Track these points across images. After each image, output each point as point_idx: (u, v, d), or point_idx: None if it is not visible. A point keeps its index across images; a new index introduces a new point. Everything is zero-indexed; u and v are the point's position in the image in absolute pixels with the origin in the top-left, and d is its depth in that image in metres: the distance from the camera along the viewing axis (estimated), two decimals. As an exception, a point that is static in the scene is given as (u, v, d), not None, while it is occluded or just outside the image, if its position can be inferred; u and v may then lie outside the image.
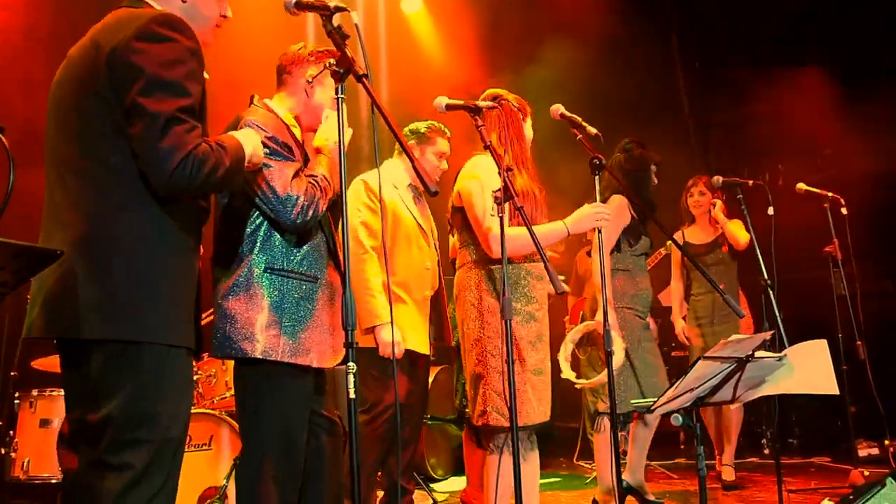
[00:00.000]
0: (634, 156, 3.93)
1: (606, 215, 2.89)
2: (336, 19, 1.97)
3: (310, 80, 2.46)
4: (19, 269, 1.66)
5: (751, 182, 3.87)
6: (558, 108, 2.93)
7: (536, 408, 2.75)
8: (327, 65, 2.10)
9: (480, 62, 6.47)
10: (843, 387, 4.60)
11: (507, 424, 2.71)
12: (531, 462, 2.82)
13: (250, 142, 2.00)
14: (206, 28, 2.03)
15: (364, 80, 1.91)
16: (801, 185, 4.64)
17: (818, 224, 4.65)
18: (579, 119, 2.92)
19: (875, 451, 5.17)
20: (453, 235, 3.06)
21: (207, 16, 2.04)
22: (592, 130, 2.91)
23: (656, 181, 4.03)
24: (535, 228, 2.62)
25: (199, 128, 1.79)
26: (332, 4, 1.95)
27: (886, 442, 4.99)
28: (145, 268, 1.76)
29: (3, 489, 3.81)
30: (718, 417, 4.78)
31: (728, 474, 4.64)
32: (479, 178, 2.85)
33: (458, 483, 5.05)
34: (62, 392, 3.88)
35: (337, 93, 1.98)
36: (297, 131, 2.46)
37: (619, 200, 3.77)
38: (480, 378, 2.79)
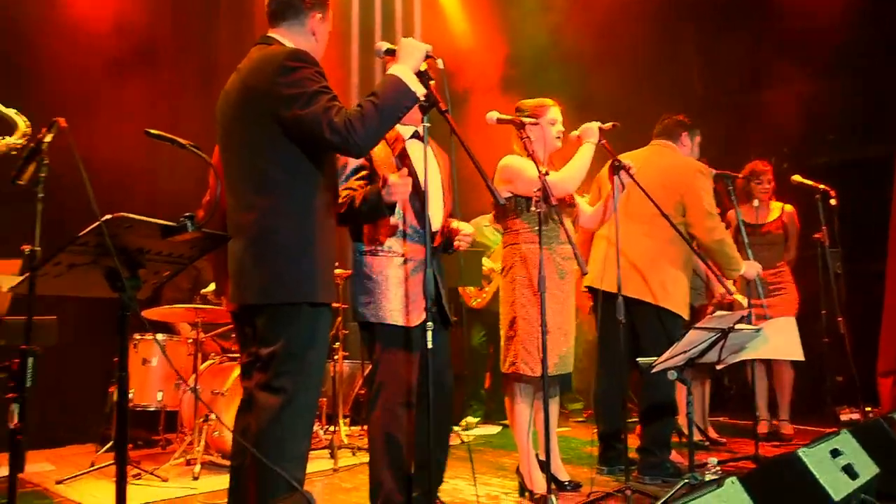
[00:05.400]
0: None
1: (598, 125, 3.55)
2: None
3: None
4: (203, 248, 2.38)
5: (739, 175, 4.49)
6: (493, 115, 3.40)
7: (556, 363, 3.48)
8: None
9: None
10: (824, 358, 5.31)
11: (531, 374, 3.44)
12: (553, 406, 3.54)
13: (407, 62, 2.48)
14: (322, 52, 2.65)
15: (446, 114, 2.56)
16: (796, 177, 5.30)
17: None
18: (518, 117, 3.44)
19: (857, 416, 5.45)
20: (496, 223, 3.72)
21: (324, 48, 2.67)
22: (529, 121, 3.47)
23: None
24: (572, 164, 3.47)
25: (341, 104, 2.36)
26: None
27: (868, 409, 5.50)
28: (297, 248, 2.40)
29: (109, 415, 4.62)
30: (773, 378, 5.28)
31: (786, 429, 5.17)
32: (517, 162, 3.53)
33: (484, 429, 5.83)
34: (159, 336, 4.70)
35: (423, 122, 2.65)
36: None
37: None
38: (512, 337, 3.51)
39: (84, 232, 1.96)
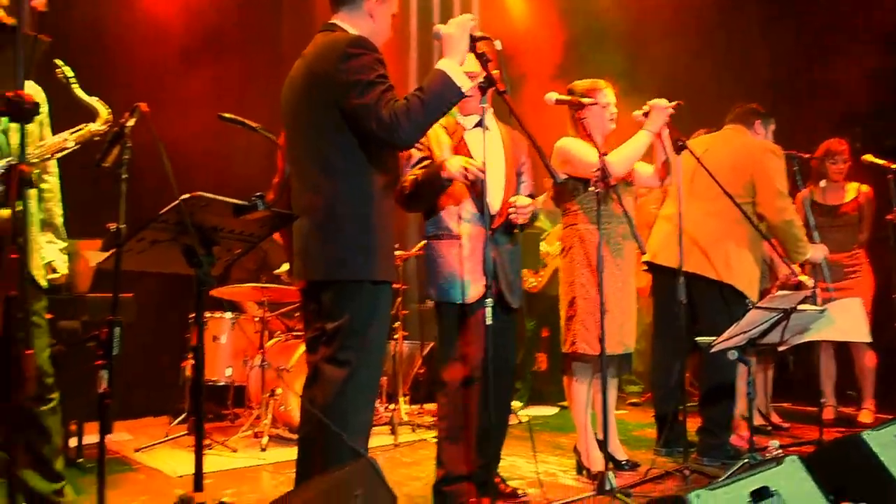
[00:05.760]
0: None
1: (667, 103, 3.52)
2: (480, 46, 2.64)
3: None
4: (272, 227, 2.49)
5: (806, 155, 4.41)
6: (553, 96, 3.43)
7: (617, 342, 3.51)
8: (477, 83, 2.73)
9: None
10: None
11: (590, 353, 3.48)
12: (612, 385, 3.58)
13: (453, 55, 2.50)
14: (386, 35, 2.71)
15: (504, 95, 2.61)
16: (867, 157, 5.16)
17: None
18: (576, 98, 3.48)
19: None
20: (559, 207, 3.76)
21: (386, 30, 2.71)
22: (587, 101, 3.49)
23: None
24: (624, 148, 3.47)
25: (395, 97, 2.42)
26: (477, 34, 2.65)
27: None
28: (361, 229, 2.49)
29: (182, 389, 4.84)
30: (853, 364, 5.13)
31: (865, 416, 5.05)
32: (574, 144, 3.57)
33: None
34: (227, 314, 4.89)
35: (482, 103, 2.70)
36: None
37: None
38: (572, 317, 3.55)
39: (165, 210, 2.09)
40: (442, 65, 2.50)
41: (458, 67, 2.49)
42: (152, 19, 5.57)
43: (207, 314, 4.81)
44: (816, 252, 4.17)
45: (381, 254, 2.55)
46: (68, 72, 2.68)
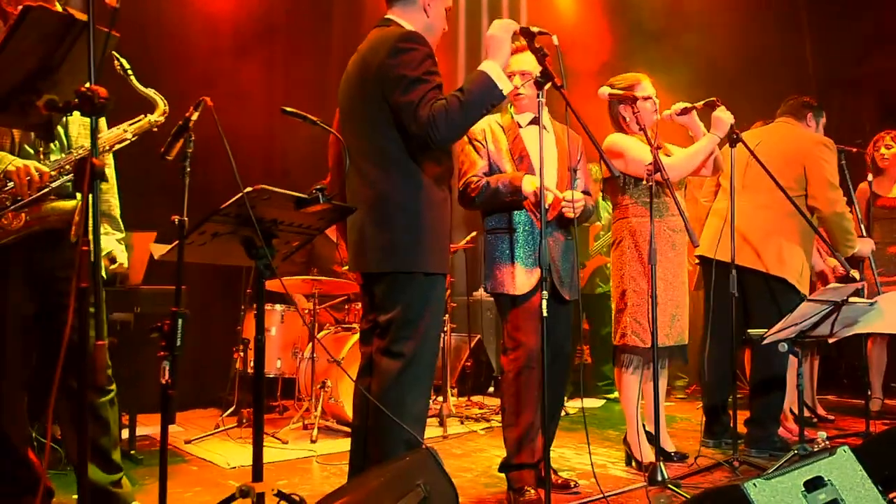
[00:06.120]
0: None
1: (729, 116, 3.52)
2: (538, 41, 2.66)
3: None
4: (330, 220, 2.53)
5: (854, 149, 4.38)
6: (606, 90, 3.48)
7: (668, 333, 3.50)
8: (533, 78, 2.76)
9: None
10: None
11: (642, 345, 3.48)
12: (662, 377, 3.57)
13: (497, 57, 2.51)
14: (440, 29, 2.74)
15: (561, 90, 2.62)
16: None
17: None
18: (630, 93, 3.48)
19: None
20: (605, 200, 3.76)
21: (440, 24, 2.73)
22: (642, 95, 3.49)
23: None
24: (687, 152, 3.52)
25: (440, 97, 2.43)
26: (535, 30, 2.66)
27: None
28: (414, 221, 2.52)
29: (232, 381, 4.90)
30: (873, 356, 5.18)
31: (874, 405, 5.05)
32: (625, 140, 3.58)
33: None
34: (277, 307, 4.94)
35: (538, 97, 2.71)
36: None
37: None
38: (623, 309, 3.55)
39: (228, 203, 2.11)
40: (485, 66, 2.50)
41: (500, 70, 2.49)
42: (202, 15, 5.68)
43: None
44: (864, 245, 4.13)
45: (434, 245, 2.57)
46: (125, 63, 2.73)
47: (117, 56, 2.71)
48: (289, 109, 2.29)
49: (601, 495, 3.12)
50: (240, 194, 2.11)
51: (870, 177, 5.12)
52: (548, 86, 2.67)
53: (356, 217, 2.59)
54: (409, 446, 2.50)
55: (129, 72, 2.74)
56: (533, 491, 3.04)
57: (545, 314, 2.64)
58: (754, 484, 2.10)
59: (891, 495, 2.33)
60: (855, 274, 4.06)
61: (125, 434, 4.06)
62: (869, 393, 4.86)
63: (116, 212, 3.01)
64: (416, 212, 2.54)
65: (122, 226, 3.03)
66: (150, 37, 5.32)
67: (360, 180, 2.60)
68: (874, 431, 4.15)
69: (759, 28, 7.00)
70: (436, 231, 2.59)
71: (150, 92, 2.82)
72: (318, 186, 2.27)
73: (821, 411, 5.03)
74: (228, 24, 5.75)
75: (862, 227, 4.37)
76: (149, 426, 4.47)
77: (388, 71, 2.48)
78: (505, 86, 2.47)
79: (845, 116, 6.40)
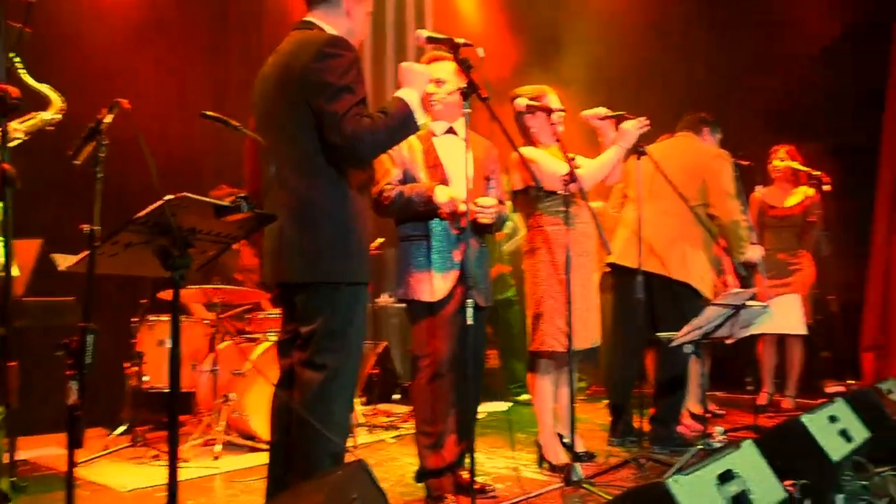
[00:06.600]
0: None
1: (646, 120, 3.65)
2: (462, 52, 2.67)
3: None
4: (249, 228, 2.42)
5: (746, 162, 4.69)
6: (523, 102, 3.57)
7: (584, 337, 3.59)
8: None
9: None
10: (815, 334, 5.49)
11: (560, 349, 3.53)
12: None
13: (415, 88, 2.53)
14: (362, 33, 2.70)
15: (486, 102, 2.64)
16: (792, 163, 5.47)
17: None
18: (546, 104, 3.60)
19: (841, 388, 5.67)
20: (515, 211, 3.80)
21: (362, 29, 2.69)
22: (557, 106, 3.62)
23: None
24: (596, 162, 3.61)
25: (366, 112, 2.41)
26: (459, 41, 2.66)
27: (850, 381, 5.79)
28: (336, 231, 2.44)
29: (123, 395, 4.57)
30: (783, 356, 5.42)
31: (787, 403, 5.35)
32: (536, 154, 3.63)
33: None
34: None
35: (463, 107, 2.72)
36: None
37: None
38: (540, 315, 3.61)
39: (146, 211, 1.98)
40: (405, 95, 2.50)
41: (418, 102, 2.51)
42: (110, 8, 5.34)
43: (152, 317, 4.60)
44: (754, 252, 4.41)
45: (358, 255, 2.52)
46: (13, 56, 2.50)
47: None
48: (210, 114, 2.18)
49: (519, 497, 3.17)
50: (160, 202, 1.99)
51: (759, 188, 5.46)
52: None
53: (275, 224, 2.49)
54: (335, 459, 2.45)
55: (19, 65, 2.52)
56: (452, 497, 3.05)
57: (469, 321, 2.66)
58: (675, 480, 2.19)
59: (784, 483, 2.48)
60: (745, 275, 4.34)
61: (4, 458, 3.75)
62: (763, 389, 5.33)
63: None
64: (342, 220, 2.49)
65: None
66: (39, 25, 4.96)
67: (279, 186, 2.51)
68: (761, 425, 4.44)
69: (656, 44, 7.17)
70: (361, 240, 2.55)
71: (44, 87, 2.62)
72: (242, 195, 2.18)
73: (712, 407, 5.31)
74: (125, 15, 5.38)
75: (753, 234, 4.65)
76: (28, 449, 4.13)
77: (311, 75, 2.42)
78: (420, 117, 2.51)
79: (733, 131, 6.74)
